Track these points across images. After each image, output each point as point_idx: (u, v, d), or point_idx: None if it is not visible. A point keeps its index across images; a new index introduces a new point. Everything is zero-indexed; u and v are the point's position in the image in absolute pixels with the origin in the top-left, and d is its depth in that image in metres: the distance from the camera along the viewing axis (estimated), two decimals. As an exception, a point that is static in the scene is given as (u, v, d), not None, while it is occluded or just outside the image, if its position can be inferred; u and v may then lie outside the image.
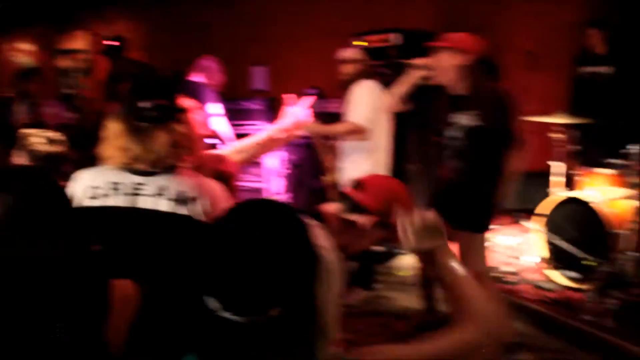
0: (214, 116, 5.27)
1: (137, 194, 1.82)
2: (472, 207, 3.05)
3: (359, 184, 1.88)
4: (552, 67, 5.66)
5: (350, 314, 4.06)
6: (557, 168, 4.48)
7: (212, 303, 0.91)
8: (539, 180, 5.28)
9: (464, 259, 3.01)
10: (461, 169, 3.08)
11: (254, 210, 1.02)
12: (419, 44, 5.13)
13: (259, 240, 0.95)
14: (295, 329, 0.97)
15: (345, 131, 3.80)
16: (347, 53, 3.99)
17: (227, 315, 0.90)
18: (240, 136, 5.84)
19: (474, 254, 3.11)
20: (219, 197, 1.89)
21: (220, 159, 2.55)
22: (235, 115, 6.25)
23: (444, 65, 3.03)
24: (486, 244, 3.23)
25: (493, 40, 5.83)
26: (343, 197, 1.90)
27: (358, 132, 3.74)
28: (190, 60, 4.92)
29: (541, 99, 5.56)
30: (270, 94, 6.65)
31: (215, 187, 1.94)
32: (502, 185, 3.11)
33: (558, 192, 4.18)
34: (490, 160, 3.04)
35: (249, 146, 2.64)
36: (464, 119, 3.03)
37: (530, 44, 5.48)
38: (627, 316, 3.43)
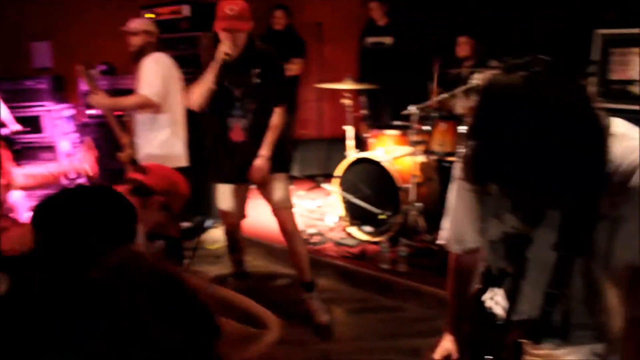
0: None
1: None
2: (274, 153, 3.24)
3: (142, 168, 1.99)
4: (342, 38, 6.00)
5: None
6: (350, 132, 4.77)
7: None
8: (338, 146, 5.61)
9: (278, 196, 3.33)
10: (252, 125, 3.21)
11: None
12: (209, 15, 5.10)
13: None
14: None
15: (135, 104, 3.61)
16: (135, 24, 3.76)
17: None
18: (24, 119, 5.32)
19: (285, 191, 3.37)
20: None
21: None
22: (16, 96, 5.61)
23: (240, 34, 3.10)
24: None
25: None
26: (129, 180, 1.98)
27: (149, 105, 3.58)
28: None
29: (332, 68, 5.89)
30: (55, 71, 6.06)
31: None
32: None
33: (351, 155, 4.46)
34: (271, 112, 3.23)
35: (39, 174, 2.61)
36: (245, 80, 3.15)
37: (321, 17, 5.73)
38: (416, 261, 3.83)
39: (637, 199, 1.07)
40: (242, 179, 3.32)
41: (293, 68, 5.42)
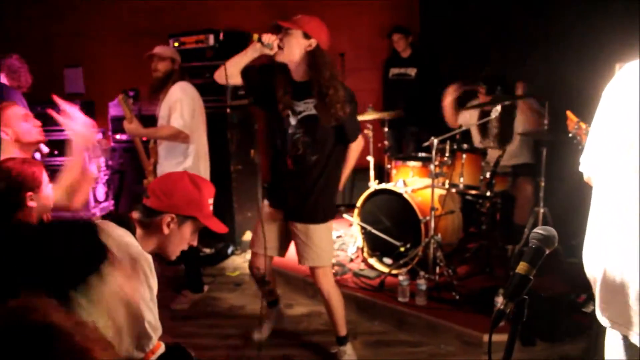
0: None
1: None
2: (318, 199, 3.00)
3: (145, 192, 1.92)
4: (364, 69, 6.05)
5: (178, 317, 3.96)
6: (373, 163, 4.78)
7: None
8: (360, 176, 5.61)
9: (314, 250, 3.04)
10: (301, 157, 2.94)
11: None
12: (235, 44, 5.20)
13: None
14: None
15: (169, 135, 3.70)
16: (163, 49, 3.88)
17: None
18: (54, 143, 5.45)
19: (327, 243, 3.12)
20: None
21: (24, 161, 2.36)
22: (48, 120, 5.72)
23: (291, 46, 2.85)
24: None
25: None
26: (138, 206, 1.93)
27: (181, 137, 3.68)
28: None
29: (357, 99, 5.92)
30: (86, 96, 6.23)
31: None
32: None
33: (372, 185, 4.45)
34: (330, 150, 2.97)
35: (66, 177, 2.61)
36: (301, 107, 2.91)
37: (344, 47, 5.78)
38: (436, 295, 3.78)
39: None
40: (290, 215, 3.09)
41: None
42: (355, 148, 3.10)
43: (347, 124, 2.92)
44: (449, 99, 4.53)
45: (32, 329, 0.56)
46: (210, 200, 1.97)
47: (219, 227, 1.97)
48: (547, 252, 1.24)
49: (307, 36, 2.85)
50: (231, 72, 2.93)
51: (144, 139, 4.10)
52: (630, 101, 1.45)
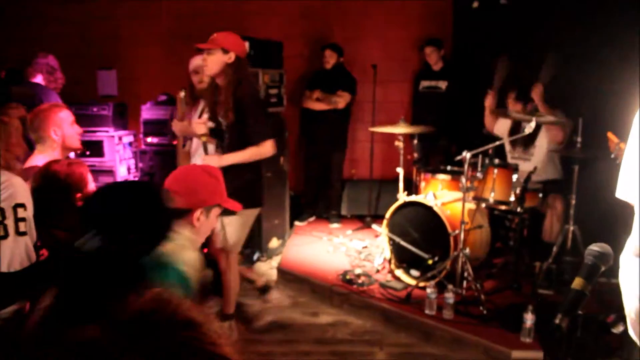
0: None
1: None
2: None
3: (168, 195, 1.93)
4: (396, 80, 6.09)
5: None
6: (402, 175, 4.79)
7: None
8: (389, 187, 5.63)
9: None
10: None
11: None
12: (268, 52, 5.26)
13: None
14: None
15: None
16: (199, 61, 3.92)
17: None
18: (87, 143, 5.54)
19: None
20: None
21: (70, 163, 2.43)
22: (81, 120, 5.81)
23: (212, 63, 3.22)
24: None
25: (344, 55, 6.15)
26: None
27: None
28: (26, 59, 4.50)
29: (386, 109, 5.96)
30: (119, 98, 6.33)
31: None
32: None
33: (401, 197, 4.47)
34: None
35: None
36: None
37: (375, 59, 5.83)
38: (462, 309, 3.77)
39: None
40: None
41: (338, 100, 5.53)
42: (257, 152, 3.30)
43: (249, 128, 3.25)
44: (488, 103, 4.57)
45: (177, 322, 0.57)
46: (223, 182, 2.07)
47: (236, 205, 2.08)
48: (603, 269, 1.25)
49: (225, 51, 3.21)
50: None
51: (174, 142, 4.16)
52: None
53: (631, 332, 1.56)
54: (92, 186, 2.47)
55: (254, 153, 3.30)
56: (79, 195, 2.39)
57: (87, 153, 5.48)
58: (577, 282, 1.23)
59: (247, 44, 5.00)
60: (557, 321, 1.21)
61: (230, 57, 3.20)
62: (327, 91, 5.57)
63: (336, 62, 5.65)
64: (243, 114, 3.23)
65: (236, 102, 3.21)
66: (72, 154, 5.10)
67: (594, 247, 1.25)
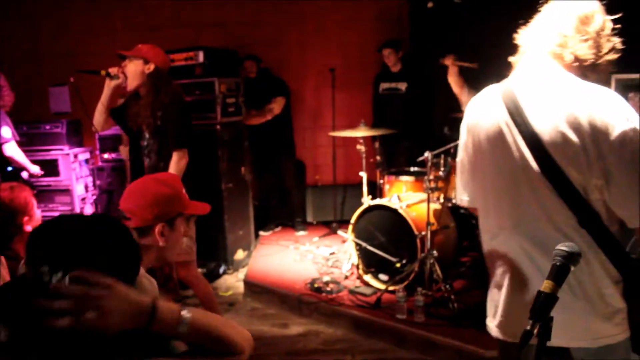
0: (5, 142, 4.71)
1: None
2: None
3: (122, 214, 1.83)
4: (355, 84, 6.05)
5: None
6: (366, 178, 4.74)
7: None
8: (354, 192, 5.58)
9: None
10: (153, 166, 3.34)
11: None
12: (223, 61, 5.17)
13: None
14: None
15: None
16: None
17: None
18: (41, 162, 5.34)
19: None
20: None
21: (12, 187, 2.30)
22: (34, 139, 5.66)
23: (132, 72, 3.31)
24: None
25: (301, 59, 6.07)
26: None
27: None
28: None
29: (346, 113, 5.92)
30: (73, 115, 6.13)
31: None
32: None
33: (365, 201, 4.41)
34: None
35: None
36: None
37: (334, 62, 5.78)
38: (433, 311, 3.73)
39: None
40: None
41: (273, 107, 5.52)
42: (176, 165, 3.28)
43: (168, 134, 3.29)
44: (452, 73, 4.55)
45: None
46: (183, 188, 1.91)
47: (204, 208, 1.93)
48: (572, 269, 1.19)
49: (146, 61, 3.31)
50: (102, 118, 3.44)
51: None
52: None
53: None
54: (37, 212, 2.35)
55: (177, 168, 3.29)
56: (25, 218, 2.27)
57: (44, 173, 5.28)
58: (547, 285, 1.17)
59: (201, 54, 4.98)
60: (527, 327, 1.15)
61: (150, 67, 3.30)
62: (260, 99, 5.53)
63: (259, 70, 5.64)
64: (163, 121, 3.29)
65: (155, 110, 3.29)
66: (25, 175, 4.93)
67: (562, 247, 1.19)
